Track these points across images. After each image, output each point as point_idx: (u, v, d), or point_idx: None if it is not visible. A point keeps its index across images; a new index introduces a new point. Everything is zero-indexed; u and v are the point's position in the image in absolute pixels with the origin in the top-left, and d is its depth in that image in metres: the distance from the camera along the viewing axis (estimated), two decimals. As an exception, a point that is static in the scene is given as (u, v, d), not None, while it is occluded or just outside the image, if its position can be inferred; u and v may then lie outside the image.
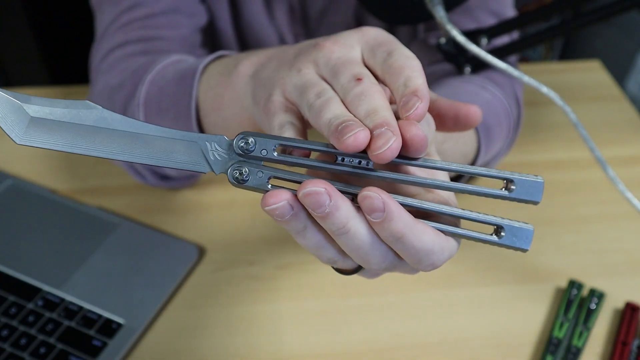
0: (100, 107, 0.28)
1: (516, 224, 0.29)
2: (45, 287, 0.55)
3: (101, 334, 0.51)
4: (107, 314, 0.53)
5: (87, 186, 0.65)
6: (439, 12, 0.50)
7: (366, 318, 0.54)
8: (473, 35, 0.56)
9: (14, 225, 0.60)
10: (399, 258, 0.30)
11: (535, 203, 0.29)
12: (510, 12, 0.66)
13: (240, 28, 0.76)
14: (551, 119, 0.77)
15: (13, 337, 0.51)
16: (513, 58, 0.63)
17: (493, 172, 0.29)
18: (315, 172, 0.30)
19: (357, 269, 0.33)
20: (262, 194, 0.28)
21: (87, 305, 0.54)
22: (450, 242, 0.30)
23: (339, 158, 0.28)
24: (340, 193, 0.27)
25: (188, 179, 0.63)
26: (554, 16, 0.54)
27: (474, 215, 0.29)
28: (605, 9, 0.50)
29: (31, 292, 0.54)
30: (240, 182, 0.28)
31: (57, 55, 1.22)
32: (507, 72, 0.49)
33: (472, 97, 0.55)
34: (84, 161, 0.68)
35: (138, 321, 0.53)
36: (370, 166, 0.28)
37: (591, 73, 0.85)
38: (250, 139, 0.28)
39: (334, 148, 0.28)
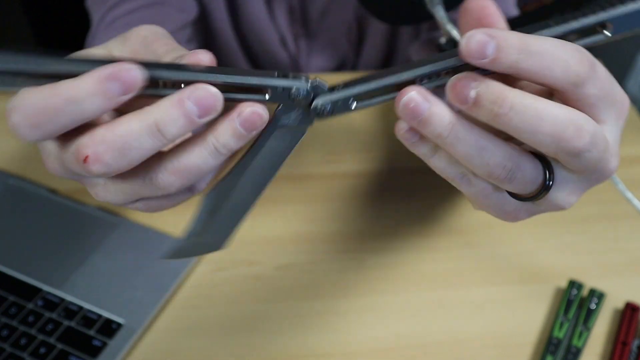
0: None
1: (624, 9, 0.25)
2: (45, 287, 0.55)
3: (101, 334, 0.51)
4: (107, 314, 0.53)
5: (87, 186, 0.65)
6: (439, 12, 0.50)
7: (366, 318, 0.54)
8: (473, 35, 0.56)
9: (14, 225, 0.60)
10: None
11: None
12: (513, 11, 0.66)
13: (240, 28, 0.76)
14: (551, 119, 0.76)
15: (13, 337, 0.51)
16: None
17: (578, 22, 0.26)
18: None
19: (545, 185, 0.29)
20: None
21: (87, 305, 0.54)
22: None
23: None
24: None
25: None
26: (554, 16, 0.54)
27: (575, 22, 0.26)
28: (605, 9, 0.50)
29: (31, 292, 0.54)
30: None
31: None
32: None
33: None
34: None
35: (138, 321, 0.53)
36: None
37: (591, 73, 0.85)
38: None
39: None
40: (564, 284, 0.57)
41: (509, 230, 0.62)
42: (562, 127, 0.25)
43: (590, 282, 0.57)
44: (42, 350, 0.50)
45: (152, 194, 0.29)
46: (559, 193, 0.30)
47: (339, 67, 0.81)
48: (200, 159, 0.27)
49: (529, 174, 0.28)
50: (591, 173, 0.29)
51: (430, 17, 0.52)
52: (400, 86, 0.27)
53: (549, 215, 0.64)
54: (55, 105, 0.25)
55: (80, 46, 0.57)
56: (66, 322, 0.52)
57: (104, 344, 0.51)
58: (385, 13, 0.56)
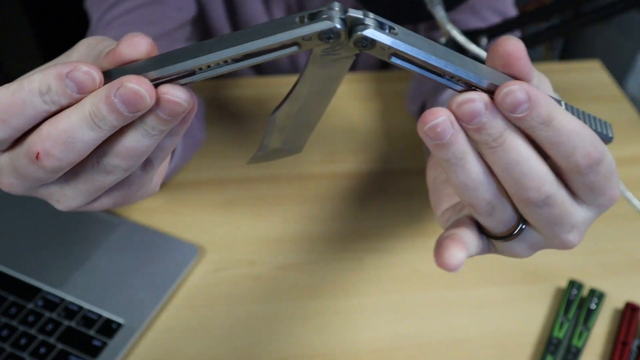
0: None
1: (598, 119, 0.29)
2: (45, 287, 0.55)
3: (101, 334, 0.51)
4: (107, 314, 0.53)
5: (87, 186, 0.65)
6: (439, 12, 0.50)
7: (366, 318, 0.54)
8: (473, 35, 0.56)
9: (14, 225, 0.60)
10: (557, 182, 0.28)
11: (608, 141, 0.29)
12: (512, 11, 0.66)
13: (237, 27, 0.76)
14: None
15: (13, 337, 0.51)
16: None
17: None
18: None
19: (515, 230, 0.31)
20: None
21: (87, 305, 0.54)
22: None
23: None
24: None
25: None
26: (554, 16, 0.54)
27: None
28: (605, 9, 0.50)
29: (31, 292, 0.54)
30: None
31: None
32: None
33: None
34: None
35: (138, 321, 0.53)
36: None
37: (591, 73, 0.85)
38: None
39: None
40: (564, 284, 0.57)
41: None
42: (529, 178, 0.27)
43: (590, 282, 0.57)
44: (42, 350, 0.50)
45: (106, 183, 0.29)
46: (521, 243, 0.31)
47: (339, 67, 0.81)
48: (133, 141, 0.27)
49: (508, 215, 0.29)
50: (546, 230, 0.30)
51: (430, 17, 0.52)
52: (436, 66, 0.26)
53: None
54: (22, 98, 0.25)
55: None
56: (66, 322, 0.52)
57: (104, 344, 0.51)
58: (384, 12, 0.56)
